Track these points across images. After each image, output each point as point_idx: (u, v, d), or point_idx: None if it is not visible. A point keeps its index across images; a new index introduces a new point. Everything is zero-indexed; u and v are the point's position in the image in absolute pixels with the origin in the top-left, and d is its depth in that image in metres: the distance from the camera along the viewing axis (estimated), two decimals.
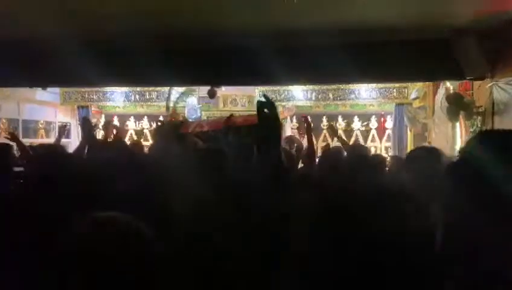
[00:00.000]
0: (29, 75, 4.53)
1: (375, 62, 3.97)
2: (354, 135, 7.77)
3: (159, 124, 4.16)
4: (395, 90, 6.96)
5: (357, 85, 6.91)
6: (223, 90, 7.12)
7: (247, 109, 7.54)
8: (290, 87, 7.10)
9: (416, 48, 3.91)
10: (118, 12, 3.15)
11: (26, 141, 5.26)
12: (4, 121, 6.88)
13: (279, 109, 7.42)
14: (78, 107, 7.89)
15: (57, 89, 7.50)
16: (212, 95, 5.76)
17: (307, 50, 3.96)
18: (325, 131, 7.86)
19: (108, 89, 7.48)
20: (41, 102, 7.34)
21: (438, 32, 3.73)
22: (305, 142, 4.19)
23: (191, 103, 7.25)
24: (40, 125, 7.55)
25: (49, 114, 7.61)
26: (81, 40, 3.87)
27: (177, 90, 7.21)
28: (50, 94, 7.45)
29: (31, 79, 4.69)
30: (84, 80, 4.85)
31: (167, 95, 7.19)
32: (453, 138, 4.93)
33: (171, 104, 7.21)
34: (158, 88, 7.35)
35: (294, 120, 7.84)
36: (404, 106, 6.89)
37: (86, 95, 7.74)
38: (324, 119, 7.80)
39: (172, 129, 3.53)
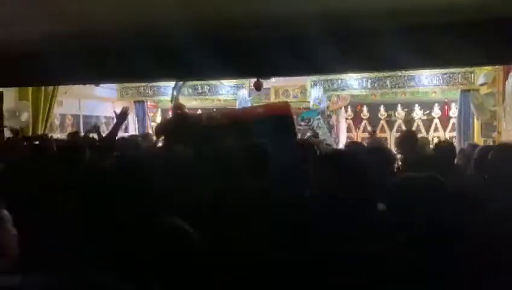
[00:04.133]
0: (86, 72, 4.66)
1: (438, 45, 3.63)
2: (415, 124, 7.34)
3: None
4: (460, 75, 6.42)
5: (417, 71, 6.46)
6: (273, 82, 6.99)
7: (300, 99, 7.37)
8: (344, 76, 6.79)
9: (484, 29, 3.52)
10: (165, 3, 3.11)
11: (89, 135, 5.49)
12: (70, 117, 7.26)
13: (333, 99, 7.17)
14: (134, 102, 8.13)
15: (114, 85, 7.78)
16: (258, 87, 5.63)
17: (360, 35, 3.71)
18: (383, 121, 7.50)
19: (162, 83, 7.63)
20: (100, 98, 7.64)
21: (507, 11, 3.33)
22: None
23: (242, 95, 7.18)
24: (102, 120, 7.89)
25: (107, 109, 7.92)
26: (130, 36, 3.91)
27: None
28: (108, 90, 7.75)
29: (87, 76, 4.83)
30: (136, 76, 4.96)
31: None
32: None
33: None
34: (211, 82, 7.38)
35: (349, 110, 7.56)
36: (471, 92, 6.34)
37: (142, 90, 7.97)
38: (382, 108, 7.43)
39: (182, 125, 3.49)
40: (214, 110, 6.78)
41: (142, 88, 7.91)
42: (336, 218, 1.53)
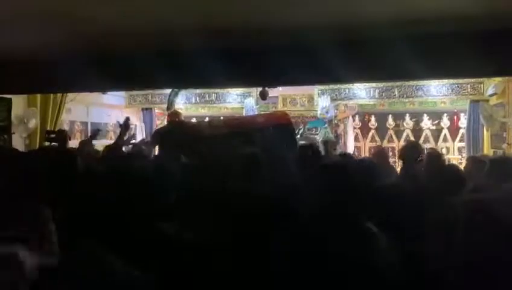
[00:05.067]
0: (94, 80, 4.68)
1: (447, 55, 3.59)
2: (424, 134, 7.27)
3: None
4: (469, 86, 6.36)
5: (425, 81, 6.41)
6: (280, 91, 6.98)
7: (307, 108, 7.35)
8: (351, 85, 6.76)
9: (493, 40, 3.48)
10: (176, 12, 3.11)
11: (97, 143, 5.50)
12: (79, 123, 7.31)
13: (341, 108, 7.14)
14: (142, 110, 8.16)
15: (122, 93, 7.82)
16: (263, 96, 5.60)
17: (368, 45, 3.68)
18: (391, 131, 7.44)
19: (170, 91, 7.65)
20: (108, 105, 7.68)
21: None
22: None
23: (249, 104, 7.17)
24: (110, 128, 7.92)
25: (115, 117, 7.95)
26: (139, 44, 3.93)
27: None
28: (116, 97, 7.79)
29: (94, 83, 4.85)
30: (144, 84, 4.99)
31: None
32: None
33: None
34: (218, 90, 7.38)
35: (357, 119, 7.52)
36: (480, 103, 6.28)
37: (150, 98, 7.99)
38: (390, 118, 7.39)
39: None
40: (206, 119, 6.71)
41: (149, 96, 7.94)
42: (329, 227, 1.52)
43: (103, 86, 5.35)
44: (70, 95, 6.37)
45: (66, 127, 6.96)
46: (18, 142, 5.53)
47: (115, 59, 4.33)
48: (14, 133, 5.34)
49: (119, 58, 4.29)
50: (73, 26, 3.37)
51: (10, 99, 5.18)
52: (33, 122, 5.78)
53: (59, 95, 6.17)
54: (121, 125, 3.55)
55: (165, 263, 1.43)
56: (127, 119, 3.59)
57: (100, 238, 1.30)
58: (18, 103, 5.57)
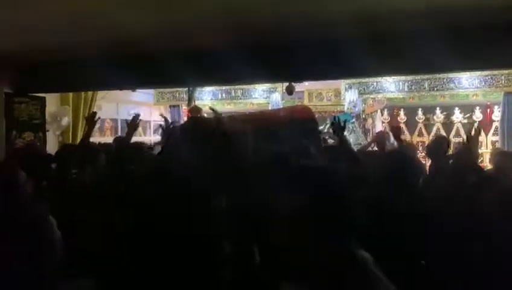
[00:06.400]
0: (124, 78, 4.77)
1: (479, 46, 3.48)
2: (455, 128, 7.06)
3: None
4: (503, 77, 6.13)
5: (456, 73, 6.22)
6: (306, 85, 6.93)
7: (334, 103, 7.28)
8: (380, 78, 6.63)
9: None
10: (201, 10, 3.14)
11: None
12: (109, 120, 7.50)
13: (369, 102, 7.03)
14: (170, 107, 8.28)
15: (151, 90, 7.96)
16: (290, 91, 5.53)
17: (396, 37, 3.61)
18: (420, 125, 7.27)
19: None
20: (137, 102, 7.83)
21: None
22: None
23: (275, 99, 7.16)
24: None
25: (144, 114, 8.10)
26: (168, 43, 3.98)
27: None
28: (145, 95, 7.94)
29: (124, 81, 4.95)
30: (172, 81, 5.06)
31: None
32: None
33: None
34: (243, 86, 7.40)
35: (386, 113, 7.37)
36: None
37: (177, 95, 8.09)
38: (419, 111, 7.21)
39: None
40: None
41: (177, 93, 8.04)
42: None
43: (132, 84, 5.47)
44: (100, 93, 6.54)
45: (96, 125, 7.15)
46: (52, 140, 5.73)
47: (143, 57, 4.41)
48: (48, 130, 5.52)
49: (148, 57, 4.36)
50: (102, 27, 3.45)
51: (44, 98, 5.35)
52: (66, 120, 5.97)
53: (90, 93, 6.35)
54: (128, 124, 3.23)
55: None
56: (136, 116, 3.26)
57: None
58: (51, 101, 5.76)
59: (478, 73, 6.15)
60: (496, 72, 6.04)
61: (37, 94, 5.27)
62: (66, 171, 2.95)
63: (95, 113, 3.58)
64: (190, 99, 7.00)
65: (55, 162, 3.05)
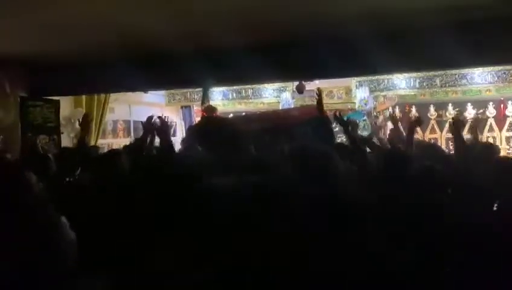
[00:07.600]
0: (136, 80, 4.83)
1: (491, 43, 3.45)
2: (468, 124, 6.98)
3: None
4: None
5: (468, 69, 6.15)
6: (317, 83, 6.91)
7: (344, 101, 7.24)
8: (390, 76, 6.59)
9: None
10: (211, 12, 3.16)
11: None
12: (122, 122, 7.58)
13: (380, 99, 6.99)
14: (181, 107, 8.33)
15: (162, 91, 8.02)
16: (300, 90, 5.50)
17: (407, 34, 3.59)
18: (432, 121, 7.21)
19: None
20: (149, 104, 7.89)
21: None
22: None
23: (285, 98, 7.16)
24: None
25: (156, 115, 8.16)
26: (180, 45, 4.01)
27: None
28: (156, 96, 8.00)
29: (136, 83, 5.01)
30: (184, 82, 5.11)
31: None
32: None
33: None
34: (253, 85, 7.41)
35: (397, 110, 7.32)
36: None
37: (189, 96, 8.13)
38: (431, 108, 7.15)
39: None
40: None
41: (188, 94, 8.08)
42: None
43: (145, 86, 5.53)
44: (113, 95, 6.61)
45: (109, 126, 7.26)
46: (66, 142, 5.82)
47: (155, 59, 4.46)
48: (62, 133, 5.61)
49: (160, 58, 4.41)
50: (115, 30, 3.50)
51: (58, 101, 5.44)
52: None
53: (103, 95, 6.43)
54: (144, 126, 3.11)
55: None
56: (149, 119, 3.13)
57: None
58: (65, 104, 5.85)
59: (491, 68, 6.08)
60: (509, 67, 5.97)
61: (51, 97, 5.36)
62: (66, 173, 2.99)
63: (87, 114, 3.60)
64: (204, 98, 7.03)
65: (56, 164, 3.08)
